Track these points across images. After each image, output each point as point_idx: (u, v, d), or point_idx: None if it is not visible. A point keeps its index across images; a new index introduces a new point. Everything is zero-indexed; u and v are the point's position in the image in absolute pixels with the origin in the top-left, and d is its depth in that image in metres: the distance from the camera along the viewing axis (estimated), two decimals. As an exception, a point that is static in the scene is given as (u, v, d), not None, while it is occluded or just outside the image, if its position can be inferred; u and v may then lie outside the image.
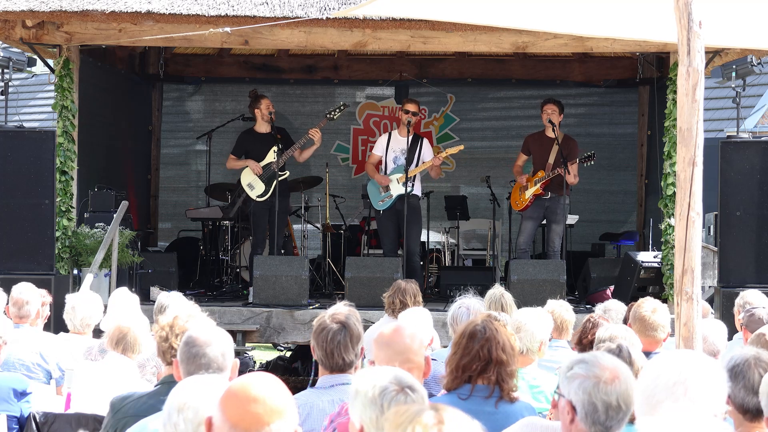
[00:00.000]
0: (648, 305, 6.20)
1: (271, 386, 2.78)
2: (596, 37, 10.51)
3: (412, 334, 4.29)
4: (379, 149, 11.78)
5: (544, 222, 11.89)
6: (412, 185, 11.49)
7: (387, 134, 11.91)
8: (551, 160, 11.50)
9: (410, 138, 11.46)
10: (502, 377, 4.38)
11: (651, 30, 6.54)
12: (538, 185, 11.53)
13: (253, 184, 11.89)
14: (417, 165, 11.53)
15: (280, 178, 11.67)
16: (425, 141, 11.77)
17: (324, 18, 7.32)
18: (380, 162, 11.74)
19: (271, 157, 11.82)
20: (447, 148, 11.86)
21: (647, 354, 5.45)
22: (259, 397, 2.74)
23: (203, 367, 3.95)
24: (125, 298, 7.36)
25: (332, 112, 11.91)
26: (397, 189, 11.50)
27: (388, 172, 11.63)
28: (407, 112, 11.50)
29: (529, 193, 11.60)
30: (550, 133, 11.54)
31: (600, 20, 6.48)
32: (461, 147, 11.70)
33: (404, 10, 6.86)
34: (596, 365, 3.31)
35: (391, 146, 11.66)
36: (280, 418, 2.71)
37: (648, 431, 3.16)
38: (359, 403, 3.29)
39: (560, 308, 6.70)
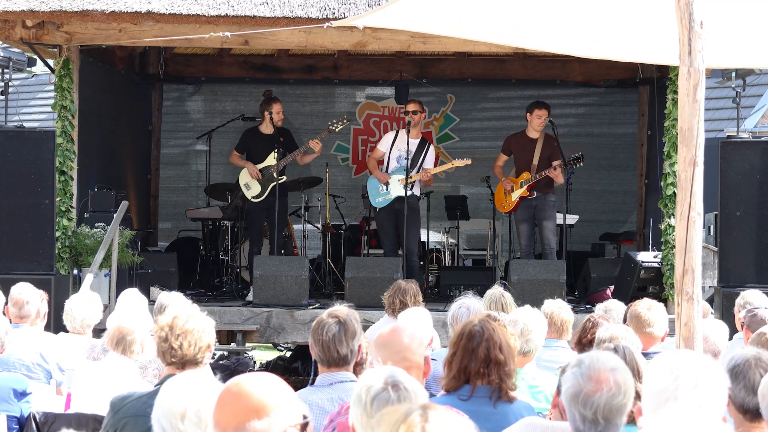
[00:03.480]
0: (644, 303, 6.27)
1: (256, 385, 2.71)
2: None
3: (411, 333, 4.29)
4: (383, 146, 11.76)
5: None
6: (412, 186, 11.48)
7: (394, 132, 11.87)
8: (536, 161, 11.49)
9: (418, 141, 11.48)
10: (500, 377, 4.38)
11: (650, 50, 6.53)
12: (525, 187, 11.51)
13: (249, 185, 11.92)
14: (419, 170, 11.51)
15: (279, 182, 11.68)
16: (431, 148, 11.75)
17: (324, 26, 7.32)
18: (382, 157, 11.73)
19: (271, 159, 11.83)
20: (455, 159, 11.82)
21: (645, 354, 5.45)
22: (238, 394, 2.69)
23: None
24: (134, 298, 7.35)
25: (335, 124, 11.89)
26: (396, 189, 11.48)
27: (389, 170, 11.62)
28: (407, 112, 11.50)
29: (516, 195, 11.57)
30: (531, 134, 11.56)
31: (598, 40, 6.47)
32: (468, 161, 11.67)
33: (403, 22, 6.85)
34: (585, 374, 3.28)
35: (396, 145, 11.63)
36: (258, 417, 2.66)
37: (648, 431, 3.16)
38: (351, 402, 3.34)
39: (559, 308, 6.69)
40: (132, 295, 7.41)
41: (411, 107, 11.55)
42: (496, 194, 11.90)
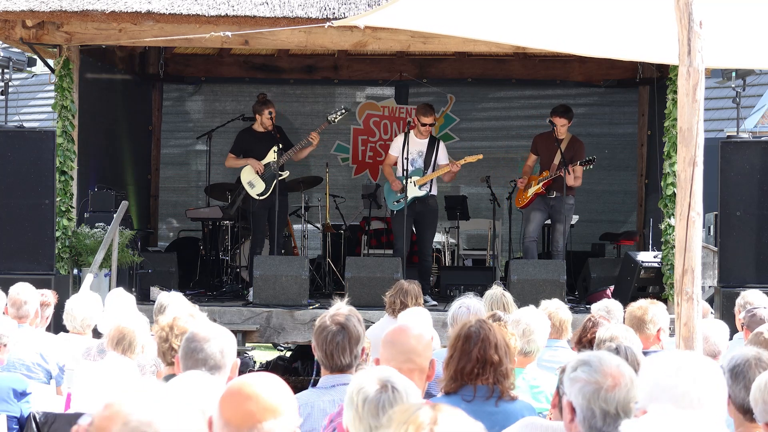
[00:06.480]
0: (639, 302, 6.29)
1: (268, 385, 2.77)
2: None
3: (419, 335, 4.27)
4: (395, 150, 11.75)
5: (548, 221, 11.91)
6: (429, 187, 11.52)
7: (403, 135, 11.83)
8: (556, 161, 11.55)
9: (427, 140, 11.52)
10: (496, 378, 4.39)
11: (649, 48, 6.54)
12: (540, 185, 11.57)
13: (253, 183, 11.89)
14: (433, 168, 11.55)
15: (280, 178, 11.68)
16: (441, 145, 11.79)
17: (326, 26, 7.32)
18: (396, 162, 11.73)
19: (271, 156, 11.83)
20: (466, 156, 11.85)
21: (645, 353, 5.44)
22: (252, 395, 2.75)
23: (201, 363, 3.94)
24: (121, 298, 7.35)
25: (333, 114, 11.88)
26: (412, 191, 11.50)
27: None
28: (424, 125, 11.52)
29: (531, 191, 11.64)
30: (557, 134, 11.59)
31: (599, 39, 6.47)
32: (480, 156, 11.71)
33: (404, 22, 6.87)
34: (599, 370, 3.30)
35: (407, 148, 11.62)
36: (273, 416, 2.71)
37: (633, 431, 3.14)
38: (345, 404, 3.36)
39: (557, 308, 6.68)
40: (118, 294, 7.42)
41: (429, 120, 11.56)
42: (518, 192, 11.96)
